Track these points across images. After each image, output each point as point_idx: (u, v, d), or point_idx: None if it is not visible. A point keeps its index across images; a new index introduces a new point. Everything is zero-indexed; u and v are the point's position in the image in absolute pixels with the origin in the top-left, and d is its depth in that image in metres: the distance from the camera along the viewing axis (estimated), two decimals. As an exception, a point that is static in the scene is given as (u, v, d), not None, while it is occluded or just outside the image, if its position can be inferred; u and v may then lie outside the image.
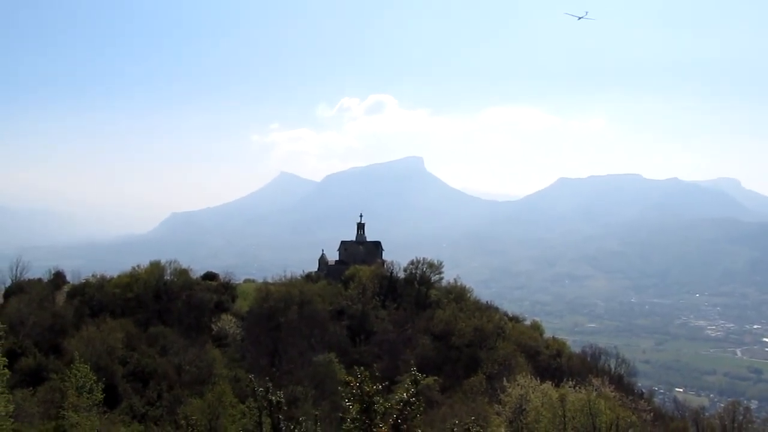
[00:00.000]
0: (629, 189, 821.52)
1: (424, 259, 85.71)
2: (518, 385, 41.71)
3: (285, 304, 67.94)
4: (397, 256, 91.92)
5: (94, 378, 33.70)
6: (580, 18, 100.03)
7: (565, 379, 46.63)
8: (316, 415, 18.16)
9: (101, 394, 33.52)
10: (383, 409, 11.96)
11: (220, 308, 73.39)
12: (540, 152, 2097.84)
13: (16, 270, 72.80)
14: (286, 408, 14.94)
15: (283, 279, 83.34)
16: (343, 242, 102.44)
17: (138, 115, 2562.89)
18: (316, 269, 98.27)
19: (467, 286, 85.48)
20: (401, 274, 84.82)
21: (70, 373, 33.50)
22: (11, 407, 25.18)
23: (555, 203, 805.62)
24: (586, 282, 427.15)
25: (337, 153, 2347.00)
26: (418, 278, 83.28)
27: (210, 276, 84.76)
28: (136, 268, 75.10)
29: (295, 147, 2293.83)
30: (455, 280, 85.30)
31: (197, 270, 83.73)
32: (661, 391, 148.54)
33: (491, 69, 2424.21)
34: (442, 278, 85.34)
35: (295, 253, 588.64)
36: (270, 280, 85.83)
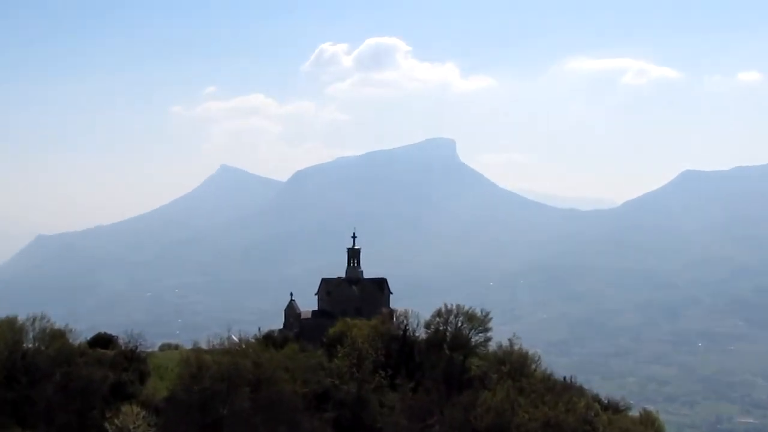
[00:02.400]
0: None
1: (458, 306, 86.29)
2: None
3: (230, 384, 68.31)
4: (415, 302, 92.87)
5: None
6: None
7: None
8: None
9: None
10: None
11: (121, 394, 73.39)
12: (649, 130, 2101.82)
13: None
14: None
15: (227, 343, 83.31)
16: (325, 280, 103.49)
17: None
18: (281, 326, 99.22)
19: (532, 352, 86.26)
20: (421, 333, 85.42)
21: None
22: None
23: (677, 213, 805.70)
24: (735, 345, 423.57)
25: (315, 134, 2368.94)
26: (449, 339, 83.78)
27: (103, 340, 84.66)
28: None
29: (245, 124, 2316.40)
30: (511, 341, 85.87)
31: (82, 330, 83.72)
32: None
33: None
34: (489, 339, 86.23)
35: (247, 299, 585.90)
36: (204, 346, 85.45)
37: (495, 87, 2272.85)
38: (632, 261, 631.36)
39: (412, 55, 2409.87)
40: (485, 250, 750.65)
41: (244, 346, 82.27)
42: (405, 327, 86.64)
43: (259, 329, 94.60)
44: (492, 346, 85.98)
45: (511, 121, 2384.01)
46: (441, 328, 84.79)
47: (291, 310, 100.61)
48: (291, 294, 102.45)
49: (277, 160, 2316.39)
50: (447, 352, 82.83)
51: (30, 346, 74.37)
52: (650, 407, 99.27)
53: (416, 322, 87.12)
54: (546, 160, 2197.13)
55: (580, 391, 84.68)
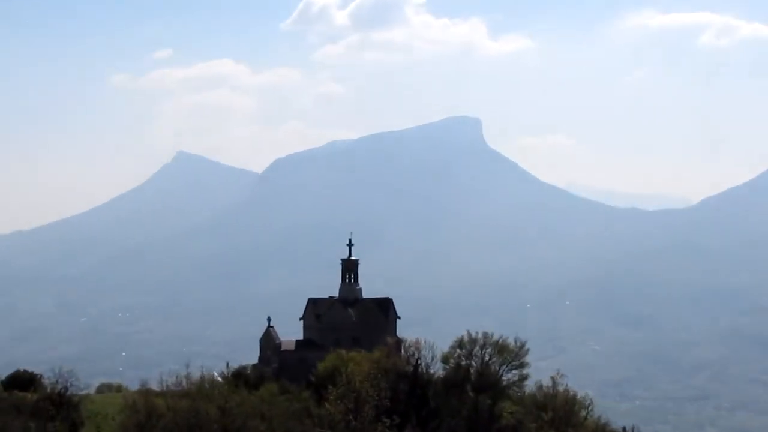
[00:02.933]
0: None
1: (485, 335, 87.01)
2: None
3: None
4: (429, 329, 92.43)
5: None
6: None
7: None
8: None
9: None
10: None
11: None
12: (735, 106, 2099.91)
13: None
14: None
15: (185, 383, 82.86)
16: (312, 301, 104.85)
17: None
18: (255, 360, 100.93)
19: (581, 395, 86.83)
20: (438, 369, 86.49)
21: None
22: None
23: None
24: None
25: (299, 111, 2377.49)
26: (473, 378, 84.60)
27: (23, 380, 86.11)
28: None
29: (208, 98, 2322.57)
30: (554, 380, 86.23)
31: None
32: None
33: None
34: (525, 377, 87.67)
35: (211, 325, 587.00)
36: (156, 387, 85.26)
37: (532, 50, 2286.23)
38: (712, 276, 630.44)
39: (425, 9, 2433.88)
40: (520, 262, 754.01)
41: (207, 387, 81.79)
42: (416, 361, 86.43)
43: (228, 364, 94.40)
44: (529, 386, 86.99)
45: (554, 95, 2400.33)
46: (463, 362, 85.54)
47: (268, 339, 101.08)
48: (268, 319, 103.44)
49: (251, 146, 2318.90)
50: (471, 394, 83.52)
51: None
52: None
53: (431, 355, 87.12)
54: (599, 146, 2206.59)
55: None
